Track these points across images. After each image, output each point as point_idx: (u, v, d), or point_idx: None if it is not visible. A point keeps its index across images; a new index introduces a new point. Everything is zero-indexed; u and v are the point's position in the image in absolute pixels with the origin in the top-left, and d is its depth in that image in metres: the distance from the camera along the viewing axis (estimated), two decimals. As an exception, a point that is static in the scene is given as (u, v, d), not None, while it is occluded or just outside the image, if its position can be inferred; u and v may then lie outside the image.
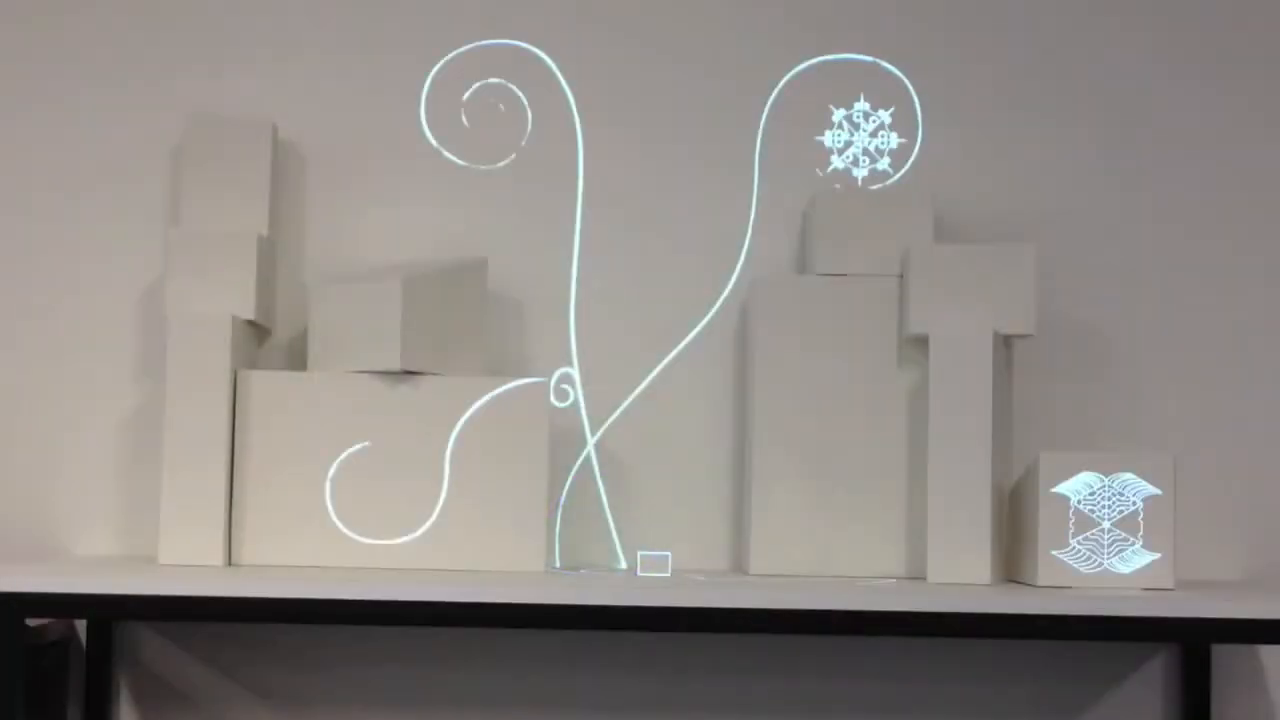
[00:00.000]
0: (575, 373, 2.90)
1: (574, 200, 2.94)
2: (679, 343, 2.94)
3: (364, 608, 2.54)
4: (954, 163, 3.01)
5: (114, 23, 3.05)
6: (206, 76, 3.04)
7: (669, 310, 2.98)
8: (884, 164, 2.95)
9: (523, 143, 2.95)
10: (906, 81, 2.95)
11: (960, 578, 2.73)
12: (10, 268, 3.04)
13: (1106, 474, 2.69)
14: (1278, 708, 3.00)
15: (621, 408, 2.92)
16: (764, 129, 2.96)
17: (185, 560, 2.75)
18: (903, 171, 2.95)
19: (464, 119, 2.94)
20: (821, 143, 2.96)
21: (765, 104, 2.95)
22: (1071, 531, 2.68)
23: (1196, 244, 3.05)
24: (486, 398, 2.79)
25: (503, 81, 2.94)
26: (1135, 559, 2.68)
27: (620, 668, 3.01)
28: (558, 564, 2.91)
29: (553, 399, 2.85)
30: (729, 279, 2.95)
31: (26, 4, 3.05)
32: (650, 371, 2.94)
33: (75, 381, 3.02)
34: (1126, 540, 2.68)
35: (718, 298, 2.95)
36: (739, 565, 2.97)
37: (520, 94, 2.94)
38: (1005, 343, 2.83)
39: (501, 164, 2.95)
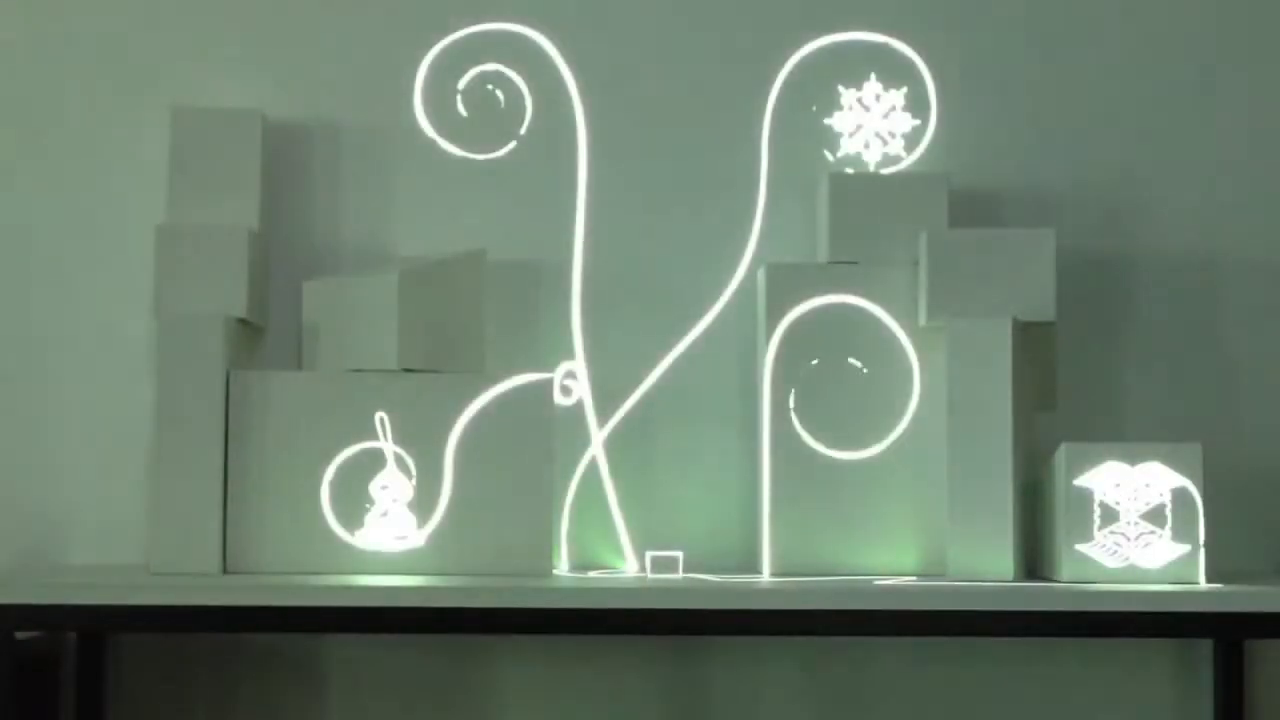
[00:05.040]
0: (580, 368, 2.88)
1: (575, 189, 2.91)
2: (686, 335, 2.91)
3: (365, 615, 2.53)
4: (969, 145, 2.99)
5: (96, 13, 3.04)
6: (193, 66, 3.02)
7: (675, 301, 2.95)
8: (897, 147, 2.92)
9: (522, 130, 2.92)
10: (919, 61, 2.92)
11: (982, 574, 2.70)
12: (-3, 269, 3.04)
13: (1132, 465, 2.65)
14: (1314, 702, 3.00)
15: (628, 404, 2.90)
16: (772, 112, 2.93)
17: (179, 569, 2.71)
18: (916, 154, 2.93)
19: (460, 107, 2.91)
20: (831, 125, 2.93)
21: (773, 86, 2.92)
22: (1096, 525, 2.65)
23: (1222, 228, 3.04)
24: (488, 395, 2.76)
25: (499, 67, 2.92)
26: (1163, 552, 2.64)
27: (631, 672, 2.99)
28: (565, 566, 2.88)
29: (557, 395, 2.82)
30: (738, 268, 2.91)
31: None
32: (657, 366, 2.91)
33: (64, 386, 3.01)
34: (1154, 533, 2.64)
35: (726, 288, 2.91)
36: (752, 565, 2.93)
37: (518, 80, 2.91)
38: (1025, 330, 2.79)
39: (500, 153, 2.92)
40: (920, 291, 2.80)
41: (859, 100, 2.92)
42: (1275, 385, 3.02)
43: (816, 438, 2.81)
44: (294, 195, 3.02)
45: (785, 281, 2.84)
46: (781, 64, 2.91)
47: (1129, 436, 2.97)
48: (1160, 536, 2.64)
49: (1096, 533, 2.65)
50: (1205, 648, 2.98)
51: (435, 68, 2.89)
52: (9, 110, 3.04)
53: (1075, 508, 2.65)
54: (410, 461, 2.75)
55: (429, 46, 2.89)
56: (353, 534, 2.74)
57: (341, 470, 2.75)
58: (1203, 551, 2.64)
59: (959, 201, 2.91)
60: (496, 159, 2.91)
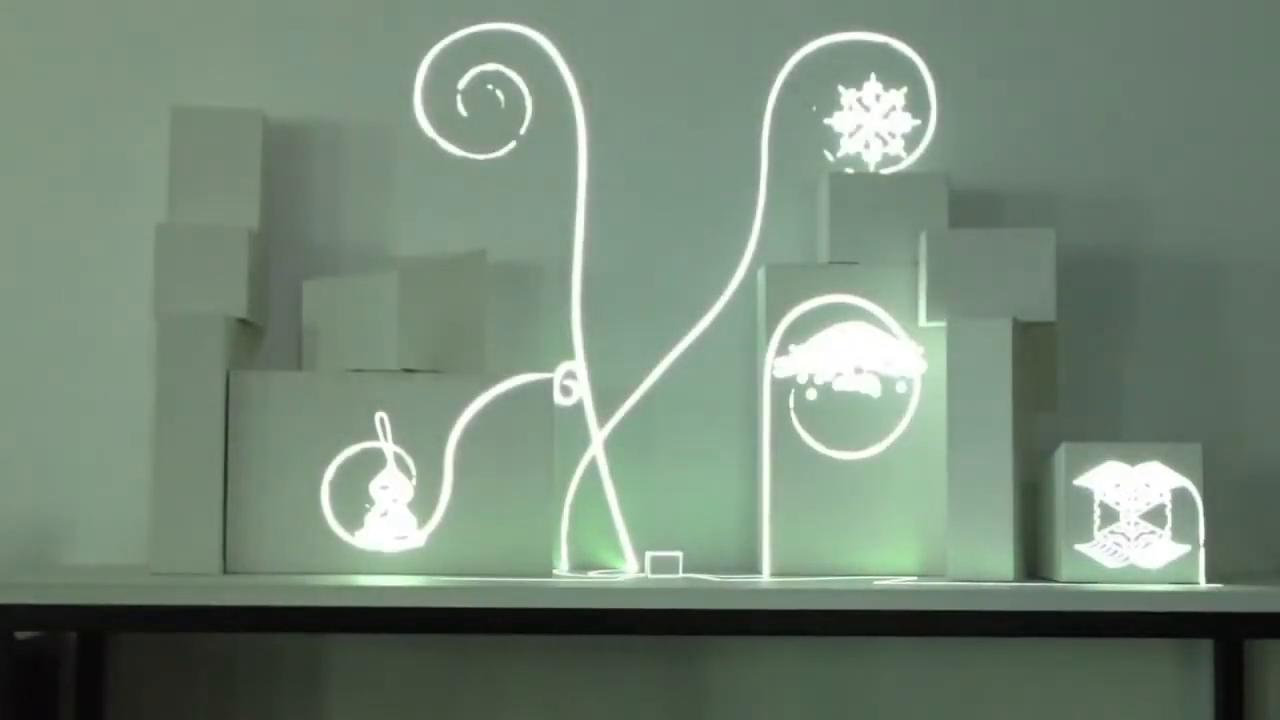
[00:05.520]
0: (580, 368, 2.86)
1: (575, 189, 2.89)
2: (686, 335, 2.90)
3: (365, 615, 2.51)
4: (969, 145, 2.98)
5: (95, 12, 3.03)
6: (193, 66, 3.01)
7: (676, 301, 2.94)
8: (897, 147, 2.91)
9: (522, 130, 2.90)
10: (919, 61, 2.91)
11: (982, 574, 2.68)
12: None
13: (1132, 465, 2.64)
14: (1314, 703, 2.98)
15: (629, 404, 2.88)
16: (772, 112, 2.91)
17: (179, 569, 2.70)
18: (916, 154, 2.91)
19: (460, 107, 2.89)
20: (831, 125, 2.91)
21: (773, 86, 2.91)
22: (1096, 525, 2.64)
23: (1223, 228, 3.03)
24: (488, 395, 2.74)
25: (499, 67, 2.90)
26: (1163, 552, 2.63)
27: (631, 672, 2.98)
28: (565, 566, 2.86)
29: (557, 395, 2.81)
30: (738, 268, 2.89)
31: None
32: (657, 366, 2.89)
33: (64, 386, 2.99)
34: (1153, 533, 2.63)
35: (726, 288, 2.89)
36: (752, 565, 2.92)
37: (518, 80, 2.89)
38: (1025, 330, 2.77)
39: (500, 153, 2.91)
40: (920, 291, 2.79)
41: (859, 100, 2.90)
42: (1275, 385, 3.01)
43: (816, 438, 2.80)
44: (294, 195, 3.01)
45: (785, 281, 2.82)
46: (781, 64, 2.90)
47: (1129, 436, 2.96)
48: (1160, 536, 2.63)
49: (1096, 533, 2.64)
50: (1205, 648, 2.97)
51: (435, 68, 2.88)
52: (9, 110, 3.03)
53: (1075, 508, 2.64)
54: (410, 461, 2.73)
55: (429, 46, 2.88)
56: (353, 534, 2.73)
57: (341, 470, 2.73)
58: (1203, 551, 2.63)
59: (959, 201, 2.89)
60: (496, 159, 2.89)
